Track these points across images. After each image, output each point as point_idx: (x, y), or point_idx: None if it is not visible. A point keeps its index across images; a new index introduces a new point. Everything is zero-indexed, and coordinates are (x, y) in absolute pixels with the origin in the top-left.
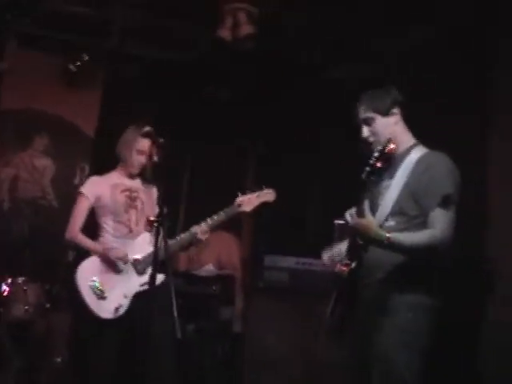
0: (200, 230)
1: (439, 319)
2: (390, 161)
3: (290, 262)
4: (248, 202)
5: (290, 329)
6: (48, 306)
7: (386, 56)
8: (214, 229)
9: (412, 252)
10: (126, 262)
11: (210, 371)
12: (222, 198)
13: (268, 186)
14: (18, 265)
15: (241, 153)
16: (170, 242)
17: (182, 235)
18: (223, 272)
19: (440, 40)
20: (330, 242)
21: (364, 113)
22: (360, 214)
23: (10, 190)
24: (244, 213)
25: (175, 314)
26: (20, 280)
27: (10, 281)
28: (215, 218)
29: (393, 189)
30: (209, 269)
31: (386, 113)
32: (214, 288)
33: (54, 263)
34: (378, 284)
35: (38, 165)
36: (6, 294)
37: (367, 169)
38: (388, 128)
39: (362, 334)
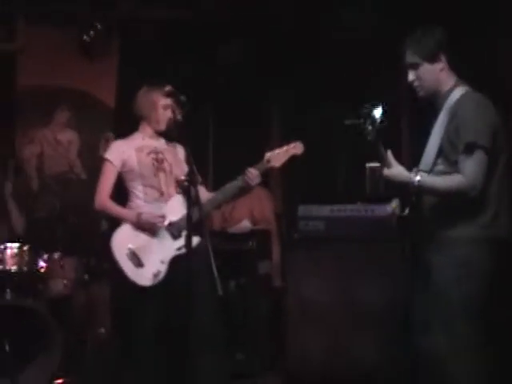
0: (252, 171)
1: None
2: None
3: (324, 210)
4: (277, 157)
5: (329, 278)
6: (87, 278)
7: None
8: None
9: (443, 196)
10: (160, 226)
11: (253, 326)
12: (249, 154)
13: (295, 138)
14: (53, 240)
15: (266, 108)
16: (216, 195)
17: (229, 185)
18: (258, 227)
19: None
20: (361, 186)
21: (410, 57)
22: (386, 163)
23: (36, 168)
24: (274, 168)
25: (215, 272)
26: (56, 255)
27: (46, 257)
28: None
29: (435, 133)
30: (244, 225)
31: (431, 59)
32: (250, 243)
33: (88, 235)
34: (431, 224)
35: (61, 139)
36: (43, 270)
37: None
38: (433, 75)
39: (418, 278)
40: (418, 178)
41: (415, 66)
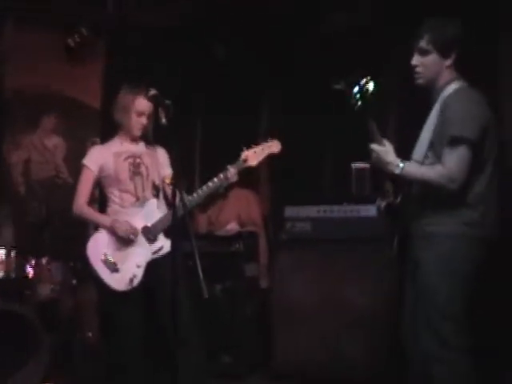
0: (231, 170)
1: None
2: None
3: (310, 211)
4: (253, 155)
5: (316, 278)
6: (74, 282)
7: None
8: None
9: (423, 185)
10: (135, 234)
11: (240, 329)
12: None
13: (281, 136)
14: (40, 245)
15: (253, 106)
16: (197, 193)
17: (210, 183)
18: (245, 229)
19: None
20: (347, 187)
21: (424, 43)
22: (376, 138)
23: (23, 174)
24: (250, 167)
25: (200, 274)
26: (43, 260)
27: (33, 262)
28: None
29: (427, 126)
30: (231, 227)
31: (443, 53)
32: (237, 246)
33: (75, 239)
34: (418, 219)
35: (48, 144)
36: (30, 275)
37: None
38: (438, 68)
39: (408, 272)
40: (401, 164)
41: (425, 53)
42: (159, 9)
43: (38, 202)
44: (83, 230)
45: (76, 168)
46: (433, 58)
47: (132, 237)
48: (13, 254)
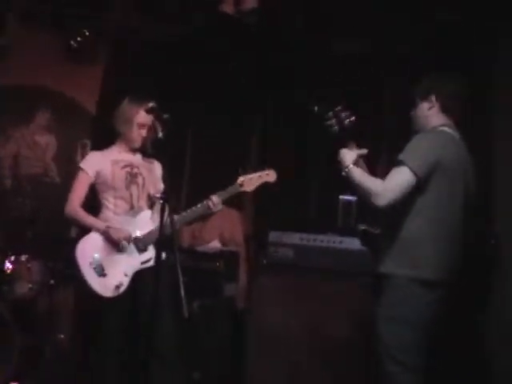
0: (214, 200)
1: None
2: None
3: (294, 238)
4: (249, 182)
5: (294, 305)
6: (52, 282)
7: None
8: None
9: (356, 189)
10: (128, 242)
11: (214, 348)
12: (224, 174)
13: (270, 164)
14: (21, 242)
15: (243, 128)
16: (181, 215)
17: (195, 207)
18: (227, 248)
19: None
20: (333, 217)
21: (413, 94)
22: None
23: (11, 167)
24: (245, 192)
25: (182, 293)
26: (23, 257)
27: (13, 258)
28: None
29: None
30: (213, 245)
31: (423, 98)
32: (217, 263)
33: (57, 240)
34: (380, 257)
35: (39, 141)
36: (9, 271)
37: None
38: (423, 112)
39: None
40: (351, 166)
41: (414, 103)
42: (161, 22)
43: (23, 198)
44: (66, 231)
45: (65, 168)
46: (418, 105)
47: (124, 243)
48: None
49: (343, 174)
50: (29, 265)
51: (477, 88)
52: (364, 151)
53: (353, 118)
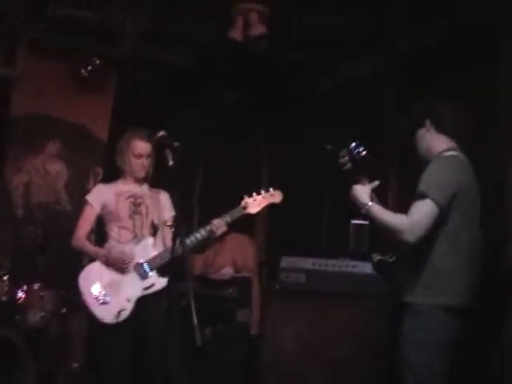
0: (215, 224)
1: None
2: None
3: (306, 263)
4: (253, 203)
5: (307, 331)
6: (64, 311)
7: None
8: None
9: (382, 228)
10: (129, 262)
11: (227, 374)
12: (235, 199)
13: (281, 187)
14: (33, 271)
15: (254, 152)
16: (189, 241)
17: (199, 232)
18: (239, 274)
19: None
20: (345, 242)
21: (406, 127)
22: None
23: (23, 196)
24: (249, 215)
25: (195, 321)
26: (36, 286)
27: (25, 288)
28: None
29: None
30: (226, 272)
31: (418, 125)
32: (230, 290)
33: (69, 268)
34: (403, 283)
35: (50, 170)
36: (21, 300)
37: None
38: (421, 138)
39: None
40: (370, 203)
41: (413, 133)
42: (170, 48)
43: (35, 226)
44: (78, 259)
45: (76, 196)
46: (416, 133)
47: (125, 265)
48: (5, 277)
49: (363, 211)
50: (41, 293)
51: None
52: (376, 184)
53: (364, 153)
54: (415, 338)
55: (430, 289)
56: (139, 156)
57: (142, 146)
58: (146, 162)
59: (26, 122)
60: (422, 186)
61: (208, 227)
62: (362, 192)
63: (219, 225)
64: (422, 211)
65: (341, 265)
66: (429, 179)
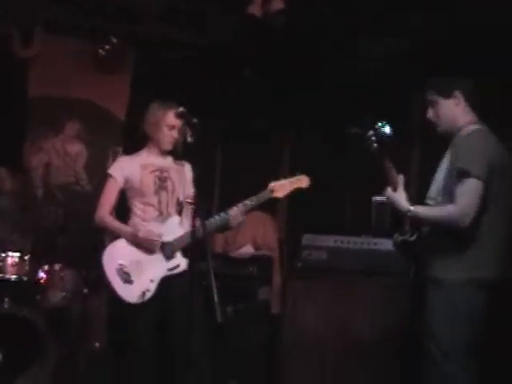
0: (232, 214)
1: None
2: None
3: (328, 240)
4: (281, 188)
5: (328, 309)
6: (85, 291)
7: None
8: (246, 213)
9: (433, 225)
10: (156, 243)
11: (248, 353)
12: (256, 179)
13: (303, 167)
14: (54, 251)
15: (276, 134)
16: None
17: (214, 219)
18: (260, 253)
19: None
20: (367, 219)
21: (429, 95)
22: (392, 183)
23: (43, 177)
24: (276, 198)
25: (216, 298)
26: (57, 267)
27: (46, 268)
28: (247, 203)
29: (442, 166)
30: (246, 250)
31: (446, 95)
32: (251, 269)
33: (90, 248)
34: (428, 261)
35: (70, 150)
36: (43, 281)
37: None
38: (448, 110)
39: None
40: (412, 208)
41: (433, 104)
42: (191, 25)
43: (56, 207)
44: (99, 239)
45: (96, 176)
46: (440, 103)
47: (153, 243)
48: (26, 257)
49: (408, 216)
50: (62, 274)
51: None
52: (401, 178)
53: (390, 133)
54: (446, 312)
55: (465, 263)
56: (172, 127)
57: (175, 119)
58: (175, 134)
59: (44, 102)
60: (461, 162)
61: (224, 215)
62: (399, 198)
63: (236, 214)
64: (469, 192)
65: (363, 242)
66: (467, 155)
